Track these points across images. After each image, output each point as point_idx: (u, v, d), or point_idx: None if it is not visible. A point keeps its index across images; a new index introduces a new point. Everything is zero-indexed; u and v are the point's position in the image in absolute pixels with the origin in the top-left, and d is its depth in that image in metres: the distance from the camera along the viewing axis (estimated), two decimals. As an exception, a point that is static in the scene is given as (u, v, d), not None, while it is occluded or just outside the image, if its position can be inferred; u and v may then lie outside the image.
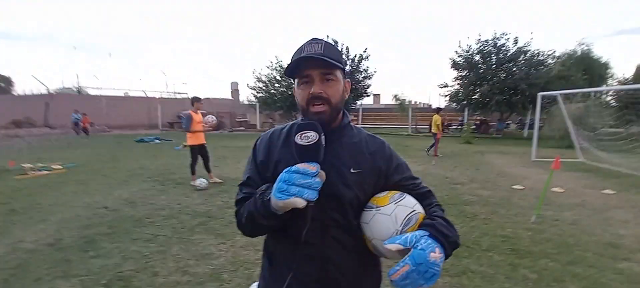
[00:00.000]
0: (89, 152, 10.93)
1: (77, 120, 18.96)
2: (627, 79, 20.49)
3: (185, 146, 6.03)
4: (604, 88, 17.61)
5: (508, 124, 24.15)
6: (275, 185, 0.80)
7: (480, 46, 19.03)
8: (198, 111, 5.93)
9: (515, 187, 5.97)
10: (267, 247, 1.04)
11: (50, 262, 2.89)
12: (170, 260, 2.95)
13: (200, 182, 5.57)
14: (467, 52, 19.40)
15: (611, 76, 20.42)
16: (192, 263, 2.91)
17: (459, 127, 22.31)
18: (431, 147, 10.37)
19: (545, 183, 4.18)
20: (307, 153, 0.79)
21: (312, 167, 0.77)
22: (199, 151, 5.92)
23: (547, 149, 11.18)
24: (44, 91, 25.22)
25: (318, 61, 0.88)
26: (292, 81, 0.99)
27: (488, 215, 4.28)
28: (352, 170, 0.94)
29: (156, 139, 15.46)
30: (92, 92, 27.02)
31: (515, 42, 18.37)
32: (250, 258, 3.00)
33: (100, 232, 3.59)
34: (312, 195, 0.76)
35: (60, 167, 7.69)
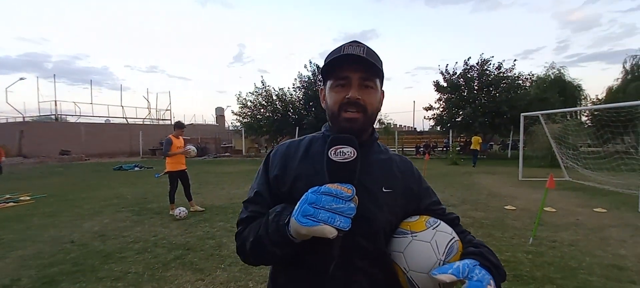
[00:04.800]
0: (62, 181, 10.32)
1: None
2: (600, 99, 21.35)
3: (165, 172, 5.72)
4: (582, 107, 18.27)
5: (491, 144, 24.62)
6: (298, 206, 0.65)
7: (465, 70, 19.61)
8: (179, 136, 5.68)
9: (507, 207, 5.86)
10: (275, 280, 0.87)
11: (-2, 309, 2.50)
12: (139, 302, 2.61)
13: (179, 210, 5.20)
14: (452, 75, 19.92)
15: (585, 97, 21.23)
16: (165, 304, 2.58)
17: (445, 148, 22.57)
18: (475, 162, 13.77)
19: (541, 204, 4.07)
20: (341, 173, 0.66)
21: (347, 190, 0.63)
22: (178, 177, 5.61)
23: (531, 169, 11.29)
24: (19, 118, 24.18)
25: (360, 62, 0.78)
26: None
27: (484, 238, 4.11)
28: (384, 190, 0.82)
29: (136, 166, 14.83)
30: (71, 120, 26.07)
31: (499, 67, 19.07)
32: (231, 296, 2.69)
33: (63, 271, 3.21)
34: (346, 223, 0.62)
35: (29, 198, 7.17)
